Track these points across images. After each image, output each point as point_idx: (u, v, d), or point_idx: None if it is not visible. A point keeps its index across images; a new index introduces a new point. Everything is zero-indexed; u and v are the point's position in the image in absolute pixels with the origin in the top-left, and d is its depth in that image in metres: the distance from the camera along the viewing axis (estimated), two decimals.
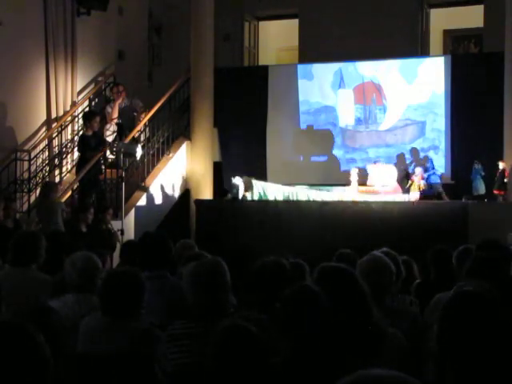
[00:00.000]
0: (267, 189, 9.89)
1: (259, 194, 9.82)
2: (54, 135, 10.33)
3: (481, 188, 9.56)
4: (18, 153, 9.75)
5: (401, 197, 9.56)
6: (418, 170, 9.81)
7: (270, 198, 9.79)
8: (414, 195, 9.44)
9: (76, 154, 10.45)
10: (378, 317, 2.76)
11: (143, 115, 10.66)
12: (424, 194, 9.55)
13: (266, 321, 3.03)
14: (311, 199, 9.67)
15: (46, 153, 10.18)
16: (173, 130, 10.98)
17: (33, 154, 9.89)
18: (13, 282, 4.33)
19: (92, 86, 11.25)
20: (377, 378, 1.38)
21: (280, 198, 9.78)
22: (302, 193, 9.80)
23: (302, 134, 11.56)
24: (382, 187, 9.81)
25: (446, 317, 1.99)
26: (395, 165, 10.43)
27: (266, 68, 12.13)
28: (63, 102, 10.46)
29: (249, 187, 9.74)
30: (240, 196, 9.68)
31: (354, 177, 9.88)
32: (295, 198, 9.73)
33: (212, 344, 2.48)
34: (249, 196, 9.77)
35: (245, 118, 11.48)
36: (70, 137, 10.63)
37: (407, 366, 2.63)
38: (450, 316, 1.98)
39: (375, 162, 10.41)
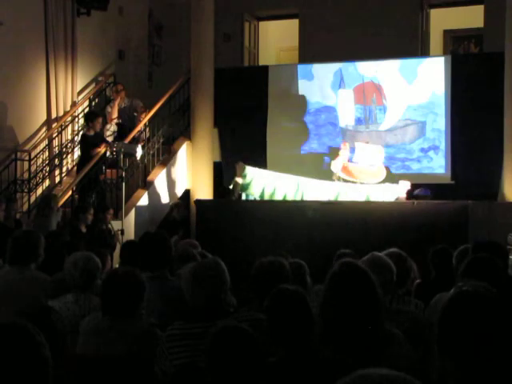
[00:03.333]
0: (260, 176, 9.94)
1: (251, 179, 9.87)
2: (54, 135, 10.33)
3: None
4: (18, 153, 9.75)
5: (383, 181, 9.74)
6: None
7: (258, 186, 9.86)
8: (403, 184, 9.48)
9: (76, 154, 10.46)
10: (387, 321, 2.77)
11: (143, 115, 10.66)
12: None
13: (266, 321, 3.03)
14: (298, 187, 9.76)
15: (46, 153, 10.19)
16: (173, 130, 10.98)
17: (33, 154, 9.90)
18: (11, 281, 4.33)
19: (92, 85, 11.25)
20: (376, 377, 1.38)
21: (269, 187, 9.86)
22: (292, 182, 9.86)
23: (302, 134, 11.55)
24: (368, 166, 9.88)
25: (445, 317, 1.99)
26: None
27: (266, 68, 12.11)
28: (63, 102, 10.47)
29: (241, 173, 9.84)
30: (233, 184, 9.85)
31: (343, 152, 10.05)
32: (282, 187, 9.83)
33: (206, 345, 2.50)
34: (240, 181, 9.84)
35: (245, 118, 11.46)
36: (70, 137, 10.63)
37: (409, 366, 2.63)
38: (450, 316, 1.98)
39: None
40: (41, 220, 8.15)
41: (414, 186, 9.73)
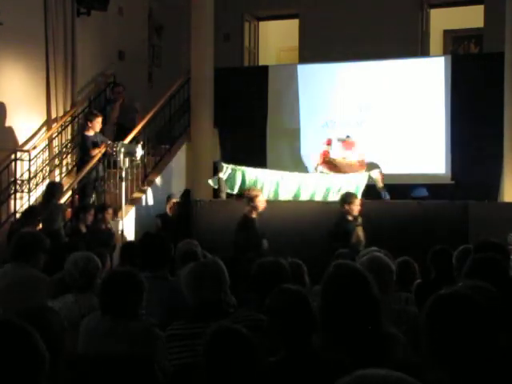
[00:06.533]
0: (246, 172, 9.80)
1: (229, 174, 9.79)
2: (54, 135, 10.33)
3: None
4: (18, 153, 9.75)
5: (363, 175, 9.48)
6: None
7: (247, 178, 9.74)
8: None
9: (76, 154, 10.46)
10: (386, 324, 2.77)
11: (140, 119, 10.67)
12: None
13: (266, 321, 3.03)
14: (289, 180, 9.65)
15: (46, 153, 10.18)
16: (173, 130, 10.98)
17: (33, 154, 9.89)
18: (9, 280, 4.33)
19: (92, 86, 11.25)
20: (375, 377, 1.38)
21: (255, 180, 9.69)
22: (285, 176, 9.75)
23: (303, 134, 11.55)
24: (347, 159, 9.76)
25: (427, 323, 1.97)
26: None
27: (265, 68, 12.12)
28: (63, 102, 10.46)
29: (221, 169, 9.79)
30: (216, 181, 9.76)
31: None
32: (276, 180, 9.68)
33: (202, 347, 2.51)
34: (221, 175, 9.76)
35: (245, 118, 11.47)
36: (70, 137, 10.63)
37: (407, 366, 2.63)
38: (430, 321, 1.97)
39: (347, 137, 10.15)
40: (45, 207, 8.16)
41: (412, 187, 9.73)
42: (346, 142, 10.02)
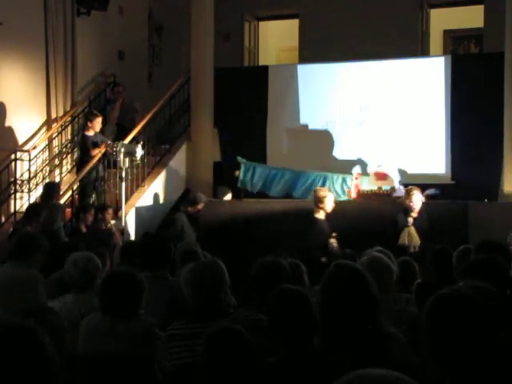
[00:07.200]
0: (257, 168, 10.11)
1: (245, 172, 10.04)
2: (54, 135, 10.34)
3: None
4: (18, 153, 9.75)
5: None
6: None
7: (257, 177, 10.06)
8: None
9: (76, 154, 10.46)
10: (385, 324, 2.77)
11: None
12: None
13: (266, 321, 3.03)
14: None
15: (46, 153, 10.19)
16: (173, 130, 10.98)
17: (33, 154, 9.90)
18: (6, 279, 4.33)
19: (92, 86, 11.25)
20: (374, 377, 1.38)
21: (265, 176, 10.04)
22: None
23: (303, 134, 11.54)
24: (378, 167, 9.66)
25: (427, 322, 1.97)
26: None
27: (266, 68, 12.11)
28: (63, 102, 10.46)
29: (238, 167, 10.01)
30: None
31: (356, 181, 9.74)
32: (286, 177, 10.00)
33: (201, 347, 2.51)
34: (238, 174, 10.07)
35: (245, 118, 11.46)
36: (69, 137, 10.64)
37: (407, 366, 2.63)
38: (431, 321, 1.97)
39: (379, 167, 9.93)
40: (44, 207, 8.16)
41: (423, 187, 9.73)
42: (378, 173, 9.74)
